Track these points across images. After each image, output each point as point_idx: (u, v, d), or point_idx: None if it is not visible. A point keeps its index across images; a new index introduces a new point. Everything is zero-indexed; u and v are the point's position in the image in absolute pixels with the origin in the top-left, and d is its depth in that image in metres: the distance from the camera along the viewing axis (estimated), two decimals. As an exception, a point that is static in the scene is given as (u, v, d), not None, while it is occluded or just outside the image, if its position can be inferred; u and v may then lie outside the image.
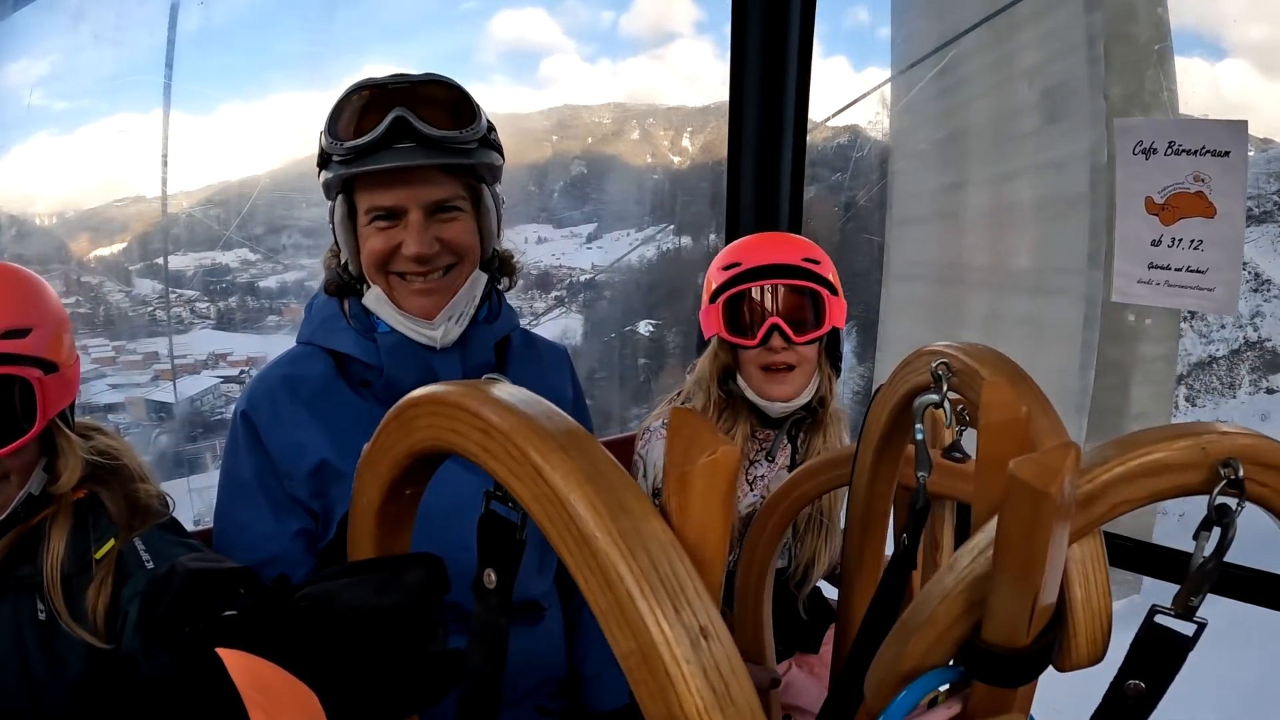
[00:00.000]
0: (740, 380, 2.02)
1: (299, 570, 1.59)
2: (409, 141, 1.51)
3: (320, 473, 1.59)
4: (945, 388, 0.94)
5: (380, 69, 1.56)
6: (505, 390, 0.68)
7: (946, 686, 0.84)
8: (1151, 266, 2.22)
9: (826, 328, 1.99)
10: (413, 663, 0.94)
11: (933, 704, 0.86)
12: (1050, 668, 0.82)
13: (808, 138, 2.71)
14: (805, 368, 2.00)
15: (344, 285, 1.68)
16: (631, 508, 0.56)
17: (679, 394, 2.16)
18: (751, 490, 2.06)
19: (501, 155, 1.65)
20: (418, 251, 1.55)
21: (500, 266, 1.74)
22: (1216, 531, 0.77)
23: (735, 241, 2.12)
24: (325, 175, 1.58)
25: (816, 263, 1.98)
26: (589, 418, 2.03)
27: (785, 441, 2.09)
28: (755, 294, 1.96)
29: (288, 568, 1.56)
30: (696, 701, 0.52)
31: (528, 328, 1.94)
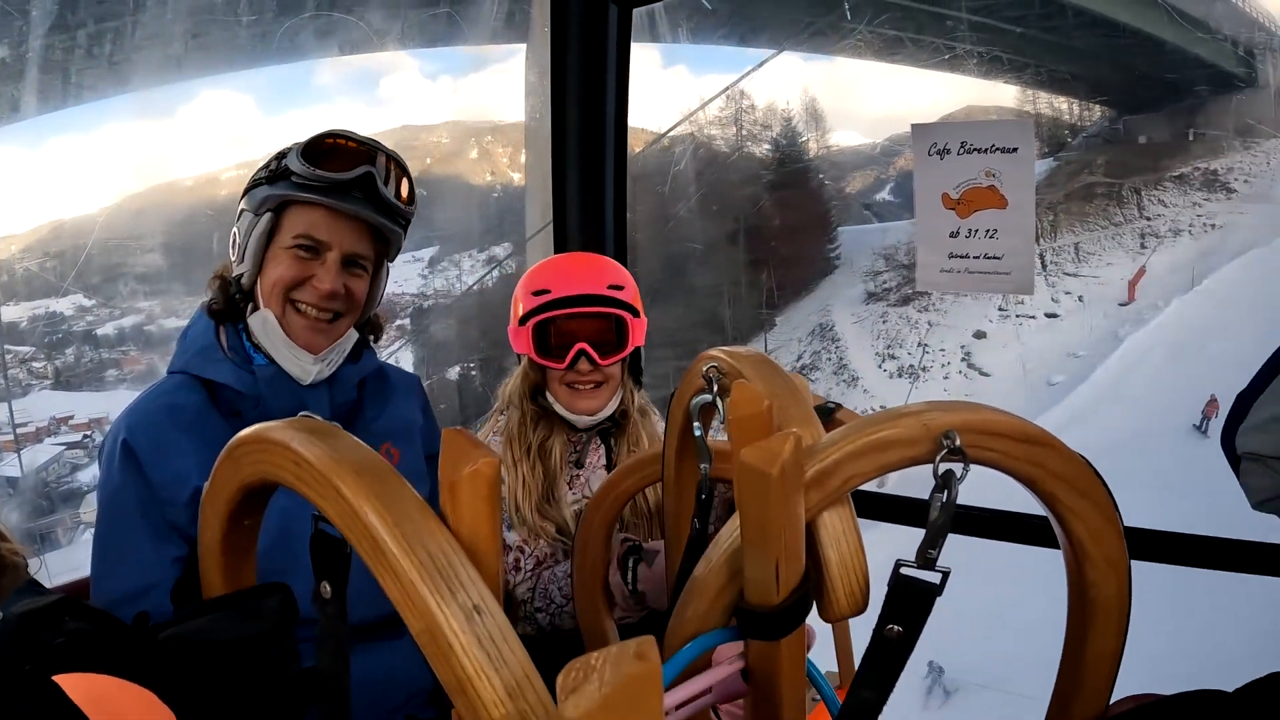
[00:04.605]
0: (549, 395, 2.16)
1: None
2: (365, 195, 1.69)
3: (197, 501, 1.64)
4: (715, 388, 1.10)
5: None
6: (315, 427, 0.79)
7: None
8: (952, 256, 2.38)
9: (629, 349, 2.15)
10: (276, 686, 1.03)
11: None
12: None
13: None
14: (610, 384, 2.16)
15: (229, 307, 1.76)
16: (413, 515, 0.69)
17: (498, 408, 2.27)
18: (571, 490, 2.19)
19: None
20: (330, 289, 1.71)
21: (369, 325, 1.90)
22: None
23: (544, 262, 2.24)
24: (268, 190, 1.70)
25: (621, 288, 2.12)
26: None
27: (599, 442, 2.24)
28: (562, 320, 2.09)
29: (166, 594, 1.62)
30: (474, 664, 0.65)
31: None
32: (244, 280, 1.74)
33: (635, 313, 2.14)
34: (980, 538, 2.20)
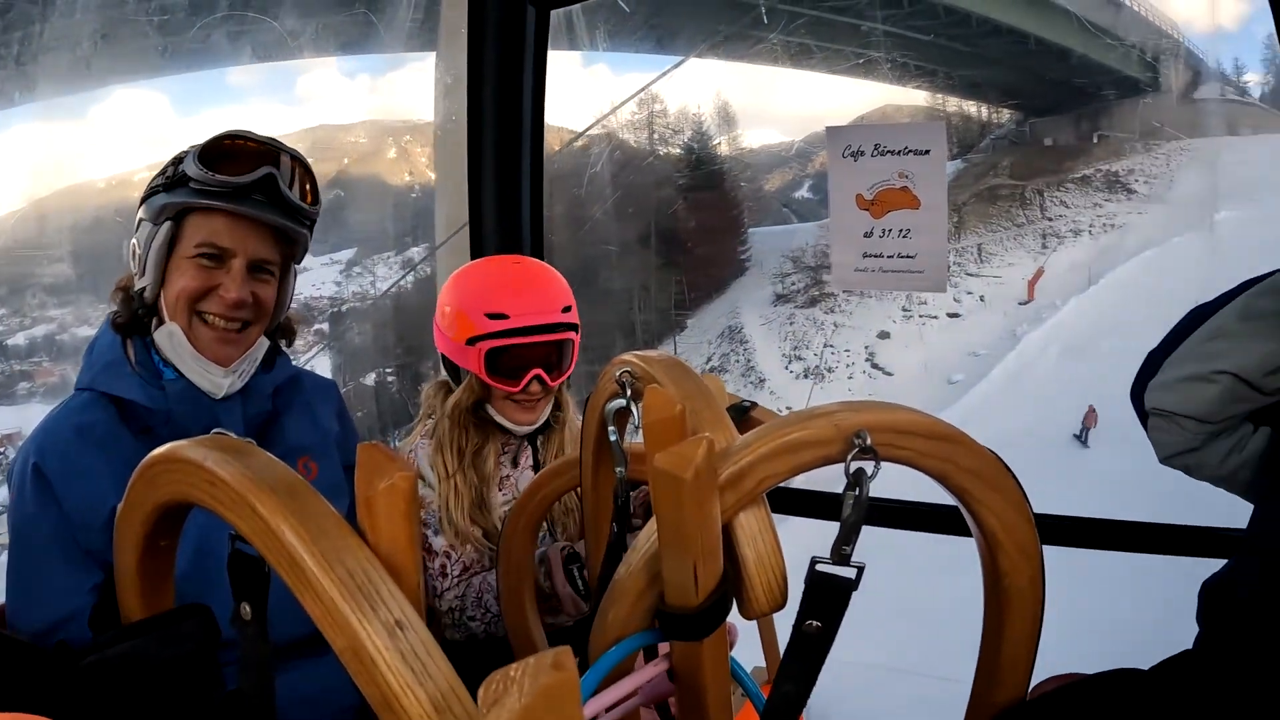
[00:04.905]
0: (490, 408, 2.15)
1: None
2: (268, 198, 1.65)
3: (112, 524, 1.60)
4: (629, 393, 1.12)
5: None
6: (228, 445, 0.79)
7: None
8: (866, 256, 2.43)
9: (574, 365, 2.19)
10: (200, 710, 1.01)
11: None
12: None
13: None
14: (550, 396, 2.18)
15: (133, 320, 1.70)
16: (330, 531, 0.69)
17: (425, 412, 2.26)
18: (500, 492, 2.18)
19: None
20: (237, 297, 1.65)
21: (281, 330, 1.87)
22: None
23: (491, 272, 2.18)
24: (165, 198, 1.64)
25: (569, 309, 2.13)
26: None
27: (526, 444, 2.24)
28: (519, 347, 2.07)
29: (85, 623, 1.56)
30: (399, 680, 0.66)
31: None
32: (147, 294, 1.68)
33: (578, 329, 2.16)
34: (894, 529, 2.26)
